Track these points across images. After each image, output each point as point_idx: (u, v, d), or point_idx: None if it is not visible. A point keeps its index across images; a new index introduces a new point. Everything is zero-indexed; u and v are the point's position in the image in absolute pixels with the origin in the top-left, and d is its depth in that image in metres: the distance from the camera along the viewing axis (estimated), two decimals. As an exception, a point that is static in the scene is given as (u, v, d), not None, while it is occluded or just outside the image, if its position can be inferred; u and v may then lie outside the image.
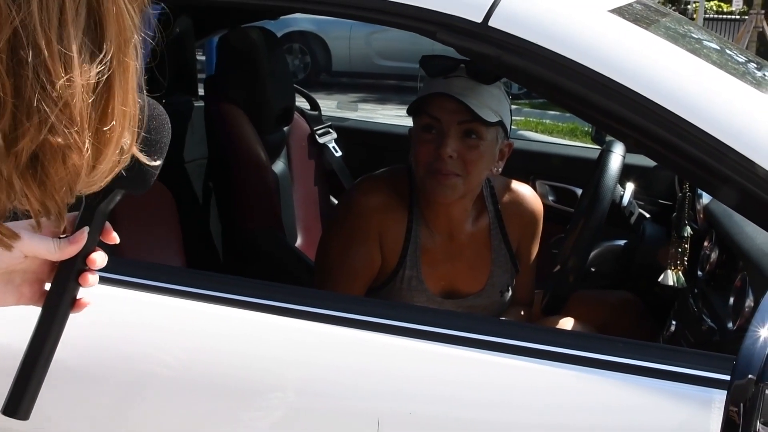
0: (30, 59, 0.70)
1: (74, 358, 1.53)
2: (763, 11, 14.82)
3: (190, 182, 2.82)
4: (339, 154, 3.33)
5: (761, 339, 1.19)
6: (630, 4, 1.91)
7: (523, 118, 10.37)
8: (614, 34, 1.57)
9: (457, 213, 2.25)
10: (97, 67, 0.73)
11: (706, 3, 18.53)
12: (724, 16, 20.73)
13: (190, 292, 1.58)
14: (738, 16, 19.19)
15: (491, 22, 1.53)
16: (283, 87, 3.03)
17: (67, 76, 0.71)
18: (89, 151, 0.75)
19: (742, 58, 2.17)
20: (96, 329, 1.54)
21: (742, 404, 1.17)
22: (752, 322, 1.21)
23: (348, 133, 3.53)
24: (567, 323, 2.28)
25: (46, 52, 0.70)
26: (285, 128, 3.12)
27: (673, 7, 19.70)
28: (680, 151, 1.47)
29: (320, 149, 3.30)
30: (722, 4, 22.55)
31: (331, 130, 3.39)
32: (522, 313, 2.42)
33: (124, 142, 0.79)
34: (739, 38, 14.07)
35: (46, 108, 0.71)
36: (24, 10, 0.70)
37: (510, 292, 2.37)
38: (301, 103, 3.41)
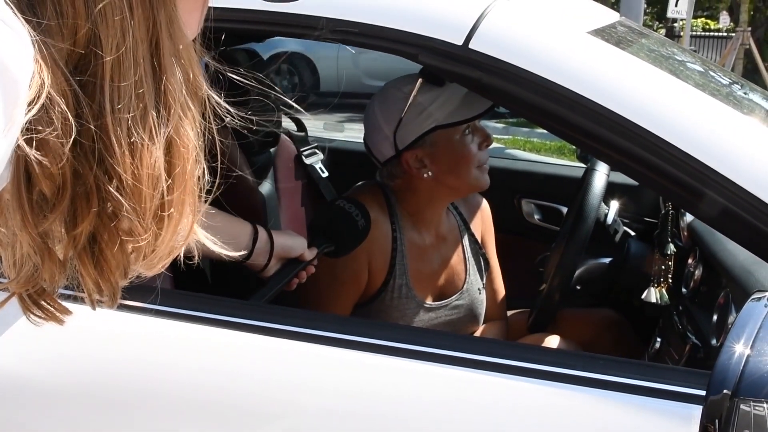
0: (94, 146, 0.68)
1: (65, 379, 1.54)
2: (749, 28, 14.94)
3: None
4: (326, 174, 3.34)
5: (736, 354, 1.21)
6: (613, 26, 1.93)
7: (510, 137, 10.39)
8: (593, 56, 1.59)
9: (443, 210, 2.31)
10: (160, 156, 0.71)
11: (693, 21, 18.63)
12: (711, 34, 20.87)
13: (177, 313, 1.59)
14: (725, 34, 19.33)
15: (472, 45, 1.55)
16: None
17: (132, 164, 0.69)
18: (149, 237, 0.73)
19: (725, 80, 2.19)
20: (90, 349, 1.55)
21: (717, 420, 1.18)
22: (727, 338, 1.22)
23: (334, 154, 3.54)
24: (552, 341, 2.29)
25: (113, 140, 0.68)
26: (272, 149, 3.13)
27: (661, 25, 19.83)
28: (662, 173, 1.48)
29: (307, 170, 3.31)
30: (709, 21, 22.71)
31: (317, 151, 3.39)
32: (499, 329, 2.44)
33: (184, 226, 0.77)
34: (725, 55, 14.16)
35: (107, 195, 0.69)
36: (97, 102, 0.68)
37: (484, 290, 2.40)
38: (287, 123, 3.42)
